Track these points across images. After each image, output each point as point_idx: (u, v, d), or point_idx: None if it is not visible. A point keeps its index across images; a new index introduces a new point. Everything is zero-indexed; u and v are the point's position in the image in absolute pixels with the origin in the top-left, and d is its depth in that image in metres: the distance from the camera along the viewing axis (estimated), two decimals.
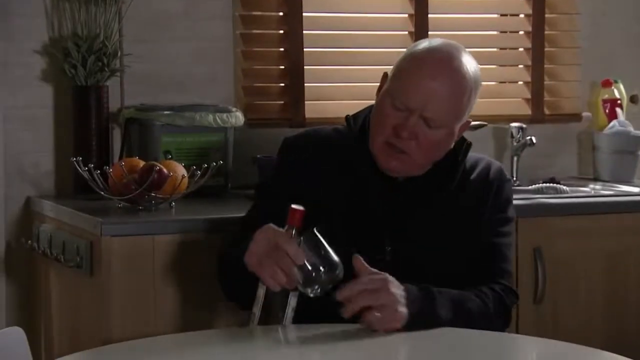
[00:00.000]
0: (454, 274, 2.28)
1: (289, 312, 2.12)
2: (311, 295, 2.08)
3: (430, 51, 2.29)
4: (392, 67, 2.34)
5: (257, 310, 2.12)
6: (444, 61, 2.26)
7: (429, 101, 2.25)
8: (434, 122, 2.26)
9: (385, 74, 2.36)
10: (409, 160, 2.29)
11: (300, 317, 2.13)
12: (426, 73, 2.25)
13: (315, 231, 2.08)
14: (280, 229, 2.11)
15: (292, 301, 2.11)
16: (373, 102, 2.38)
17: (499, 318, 2.28)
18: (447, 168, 2.34)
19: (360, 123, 2.37)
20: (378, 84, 2.36)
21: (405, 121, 2.26)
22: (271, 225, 2.12)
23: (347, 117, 2.39)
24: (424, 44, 2.32)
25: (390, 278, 2.12)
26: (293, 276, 2.06)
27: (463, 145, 2.35)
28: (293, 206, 2.10)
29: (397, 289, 2.11)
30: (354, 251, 2.20)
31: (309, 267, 2.06)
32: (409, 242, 2.31)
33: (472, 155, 2.39)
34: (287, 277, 2.08)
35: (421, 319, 2.12)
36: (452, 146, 2.34)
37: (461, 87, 2.27)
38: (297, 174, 2.35)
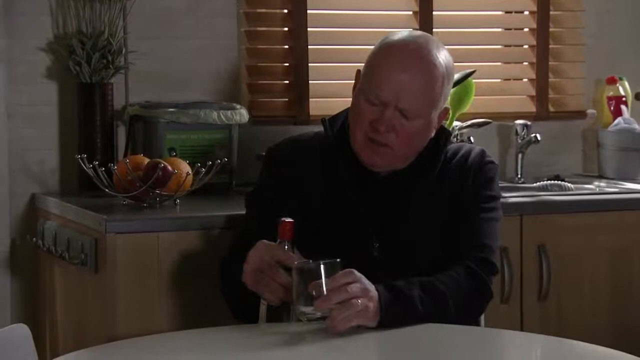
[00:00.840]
0: (442, 263, 2.27)
1: (293, 321, 2.11)
2: (305, 317, 2.03)
3: (398, 43, 2.31)
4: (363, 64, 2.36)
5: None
6: (412, 51, 2.28)
7: (401, 92, 2.27)
8: (409, 112, 2.28)
9: (358, 71, 2.38)
10: (392, 153, 2.30)
11: None
12: (395, 65, 2.28)
13: (338, 262, 2.04)
14: (272, 243, 2.13)
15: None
16: None
17: (474, 292, 2.25)
18: (428, 159, 2.35)
19: (339, 124, 2.39)
20: None
21: (381, 115, 2.28)
22: (263, 241, 2.15)
23: (322, 120, 2.41)
24: (391, 37, 2.34)
25: (361, 276, 2.10)
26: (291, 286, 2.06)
27: (442, 135, 2.36)
28: (282, 219, 2.11)
29: (369, 285, 2.10)
30: (344, 250, 2.22)
31: (323, 291, 2.02)
32: (396, 236, 2.31)
33: (456, 144, 2.40)
34: (286, 289, 2.08)
35: (395, 314, 2.09)
36: (432, 134, 2.35)
37: (432, 75, 2.28)
38: (283, 182, 2.37)
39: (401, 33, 2.35)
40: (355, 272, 2.08)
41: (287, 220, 2.12)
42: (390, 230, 2.31)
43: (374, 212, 2.32)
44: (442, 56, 2.30)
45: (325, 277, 2.02)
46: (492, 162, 2.40)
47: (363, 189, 2.34)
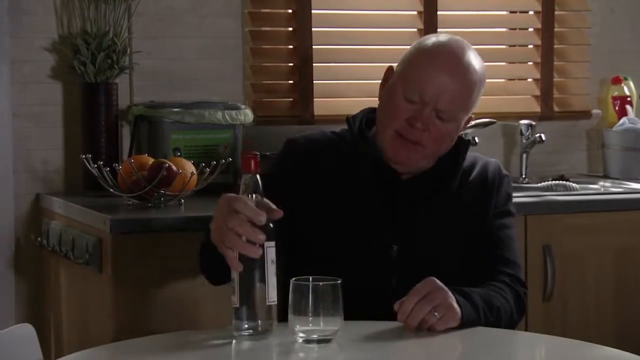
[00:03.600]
0: (459, 270, 2.29)
1: (269, 265, 1.97)
2: (300, 337, 1.95)
3: (441, 45, 2.32)
4: (398, 61, 2.36)
5: (236, 298, 1.96)
6: (456, 55, 2.30)
7: (443, 94, 2.28)
8: (445, 114, 2.29)
9: (390, 68, 2.38)
10: (421, 151, 2.31)
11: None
12: (441, 66, 2.29)
13: (339, 283, 1.97)
14: (233, 194, 1.98)
15: (270, 253, 1.96)
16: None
17: (517, 310, 2.31)
18: (447, 166, 2.36)
19: (358, 124, 2.39)
20: None
21: (419, 113, 2.28)
22: (225, 194, 2.00)
23: (347, 119, 2.41)
24: (431, 39, 2.35)
25: (435, 279, 2.12)
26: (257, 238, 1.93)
27: (462, 143, 2.38)
28: (247, 154, 1.98)
29: (445, 287, 2.12)
30: (362, 251, 2.25)
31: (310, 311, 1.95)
32: (414, 240, 2.32)
33: (469, 154, 2.41)
34: (252, 245, 1.95)
35: (468, 318, 2.13)
36: (455, 140, 2.36)
37: (472, 81, 2.31)
38: (300, 175, 2.35)
39: (441, 35, 2.36)
40: (432, 279, 2.11)
41: (252, 154, 1.98)
42: (409, 233, 2.32)
43: (394, 214, 2.32)
44: (479, 63, 2.33)
45: (325, 296, 1.95)
46: (508, 176, 2.44)
47: (383, 191, 2.34)
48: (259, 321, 1.98)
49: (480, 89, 2.34)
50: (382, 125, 2.34)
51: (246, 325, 1.98)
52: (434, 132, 2.29)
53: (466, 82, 2.29)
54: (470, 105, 2.33)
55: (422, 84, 2.28)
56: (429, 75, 2.28)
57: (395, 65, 2.38)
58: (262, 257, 1.96)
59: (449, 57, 2.29)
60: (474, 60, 2.32)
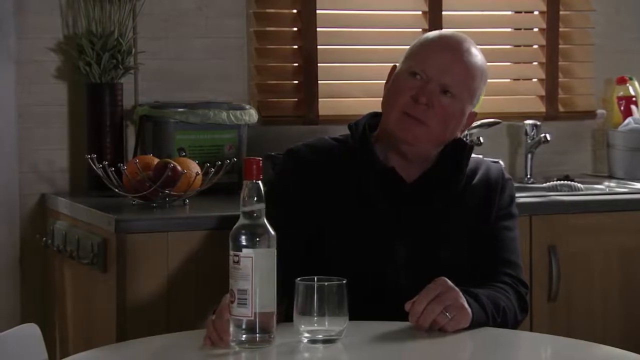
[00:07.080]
0: (464, 273, 2.30)
1: (268, 273, 1.94)
2: (306, 338, 1.98)
3: (446, 34, 2.42)
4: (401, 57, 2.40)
5: (235, 308, 1.95)
6: (459, 42, 2.37)
7: (447, 68, 2.32)
8: (451, 88, 2.32)
9: (394, 67, 2.42)
10: (426, 130, 2.32)
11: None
12: (445, 46, 2.36)
13: (344, 283, 1.98)
14: (222, 306, 2.00)
15: (269, 260, 1.94)
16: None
17: (520, 310, 2.32)
18: (451, 168, 2.37)
19: (360, 129, 2.39)
20: None
21: (423, 88, 2.31)
22: (223, 301, 2.03)
23: (349, 125, 2.42)
24: (436, 32, 2.45)
25: (446, 279, 2.13)
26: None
27: (465, 148, 2.39)
28: (246, 158, 1.96)
29: (456, 288, 2.13)
30: (368, 255, 2.26)
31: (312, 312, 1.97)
32: (420, 242, 2.32)
33: (472, 157, 2.43)
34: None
35: (477, 318, 2.14)
36: (459, 134, 2.38)
37: (475, 64, 2.36)
38: (304, 183, 2.35)
39: (446, 31, 2.47)
40: (443, 279, 2.12)
41: (254, 158, 1.96)
42: (415, 237, 2.33)
43: (399, 218, 2.33)
44: (482, 58, 2.39)
45: (331, 297, 1.96)
46: (510, 179, 2.46)
47: (388, 194, 2.34)
48: (257, 333, 1.95)
49: (482, 79, 2.37)
50: (388, 109, 2.36)
51: (244, 337, 1.95)
52: (438, 110, 2.31)
53: (469, 62, 2.34)
54: (473, 90, 2.36)
55: (428, 59, 2.33)
56: (434, 52, 2.34)
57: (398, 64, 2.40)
58: (262, 265, 1.94)
59: (453, 41, 2.37)
60: (477, 51, 2.38)
